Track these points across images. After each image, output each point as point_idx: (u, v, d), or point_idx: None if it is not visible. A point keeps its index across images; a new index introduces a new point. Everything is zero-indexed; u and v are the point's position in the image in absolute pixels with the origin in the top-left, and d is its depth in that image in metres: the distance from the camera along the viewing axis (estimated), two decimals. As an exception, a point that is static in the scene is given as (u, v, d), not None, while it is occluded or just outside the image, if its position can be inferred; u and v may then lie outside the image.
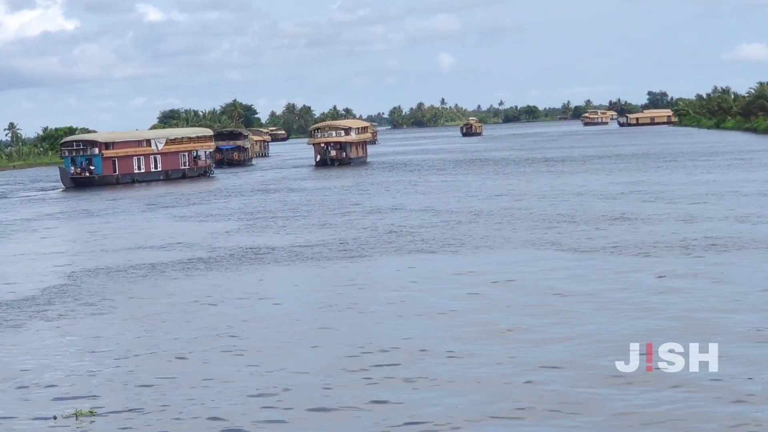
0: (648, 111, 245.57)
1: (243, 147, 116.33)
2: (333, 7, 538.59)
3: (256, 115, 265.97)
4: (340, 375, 17.61)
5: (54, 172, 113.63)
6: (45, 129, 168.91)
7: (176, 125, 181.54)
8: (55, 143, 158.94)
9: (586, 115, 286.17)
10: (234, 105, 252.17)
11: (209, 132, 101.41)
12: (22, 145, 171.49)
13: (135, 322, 23.41)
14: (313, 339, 20.55)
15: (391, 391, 16.46)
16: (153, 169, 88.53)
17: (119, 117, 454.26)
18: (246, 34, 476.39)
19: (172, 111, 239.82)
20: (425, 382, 16.89)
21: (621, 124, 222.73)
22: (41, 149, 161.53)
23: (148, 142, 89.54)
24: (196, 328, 22.24)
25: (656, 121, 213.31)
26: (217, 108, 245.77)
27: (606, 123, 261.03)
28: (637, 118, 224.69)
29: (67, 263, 34.42)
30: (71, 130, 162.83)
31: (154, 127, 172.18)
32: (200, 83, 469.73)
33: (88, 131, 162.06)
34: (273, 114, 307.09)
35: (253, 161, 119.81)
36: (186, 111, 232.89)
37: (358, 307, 23.76)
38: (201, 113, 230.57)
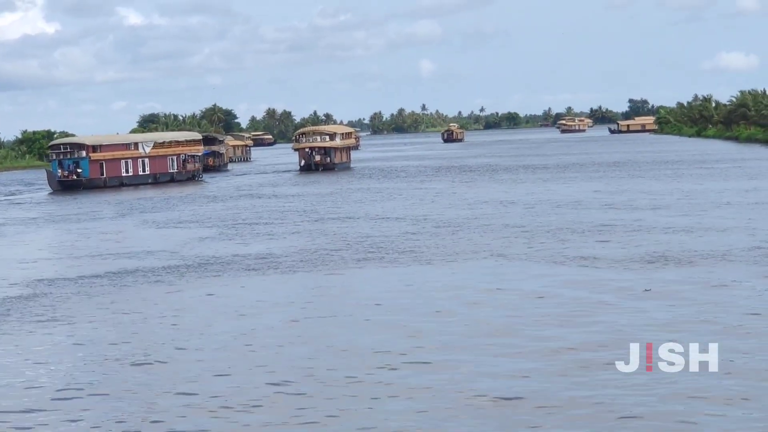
0: (639, 118, 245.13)
1: (218, 152, 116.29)
2: (314, 12, 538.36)
3: (236, 120, 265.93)
4: (314, 386, 17.16)
5: (31, 175, 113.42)
6: (24, 132, 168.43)
7: (155, 129, 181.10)
8: (33, 146, 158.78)
9: (563, 122, 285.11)
10: (214, 109, 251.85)
11: (198, 136, 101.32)
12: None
13: (89, 336, 22.33)
14: (280, 352, 19.90)
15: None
16: (141, 173, 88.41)
17: (100, 120, 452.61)
18: (227, 39, 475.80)
19: (151, 115, 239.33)
20: (408, 392, 16.62)
21: (612, 131, 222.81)
22: (18, 153, 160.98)
23: (136, 145, 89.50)
24: (153, 341, 21.34)
25: (647, 128, 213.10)
26: (198, 112, 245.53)
27: (583, 130, 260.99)
28: (627, 125, 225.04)
29: (40, 270, 33.39)
30: (49, 134, 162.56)
31: (133, 131, 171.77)
32: (181, 87, 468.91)
33: (66, 134, 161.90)
34: (253, 119, 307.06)
35: (229, 166, 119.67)
36: (165, 115, 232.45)
37: (333, 320, 23.00)
38: (181, 117, 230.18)
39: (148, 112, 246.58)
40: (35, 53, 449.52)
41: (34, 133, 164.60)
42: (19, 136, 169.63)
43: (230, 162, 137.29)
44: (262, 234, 41.26)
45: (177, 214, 53.55)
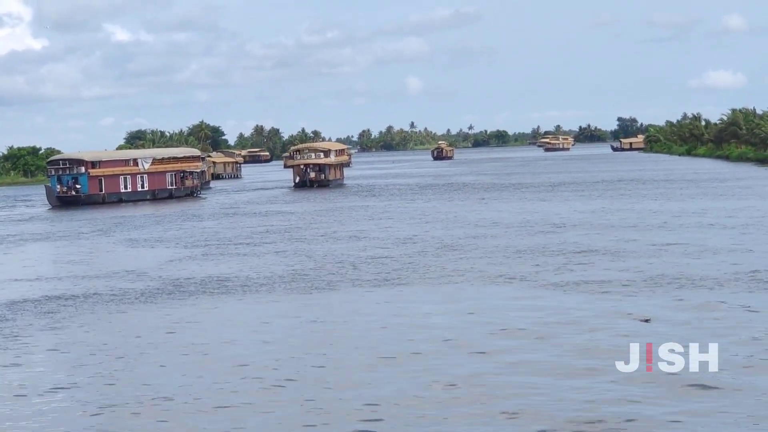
0: (641, 135, 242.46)
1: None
2: (301, 28, 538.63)
3: (223, 137, 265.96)
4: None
5: (16, 191, 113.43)
6: (9, 148, 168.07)
7: (142, 146, 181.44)
8: (18, 163, 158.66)
9: (547, 140, 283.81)
10: (201, 126, 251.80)
11: (197, 152, 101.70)
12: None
13: (59, 363, 21.45)
14: (264, 382, 18.75)
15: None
16: (140, 189, 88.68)
17: (88, 137, 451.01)
18: (214, 55, 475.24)
19: (138, 131, 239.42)
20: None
21: (614, 149, 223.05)
22: (3, 169, 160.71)
23: (135, 161, 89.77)
24: (123, 371, 20.11)
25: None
26: (185, 129, 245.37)
27: (567, 149, 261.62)
28: (630, 143, 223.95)
29: (31, 286, 33.01)
30: (35, 150, 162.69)
31: (120, 148, 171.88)
32: (169, 104, 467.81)
33: (53, 150, 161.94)
34: (241, 135, 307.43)
35: (211, 184, 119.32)
36: (152, 132, 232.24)
37: (319, 347, 21.64)
38: (168, 134, 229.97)
39: (135, 128, 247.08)
40: (22, 69, 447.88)
41: (19, 149, 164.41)
42: (5, 153, 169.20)
43: (220, 179, 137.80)
44: (259, 254, 39.95)
45: (171, 233, 52.62)
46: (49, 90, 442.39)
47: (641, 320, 22.19)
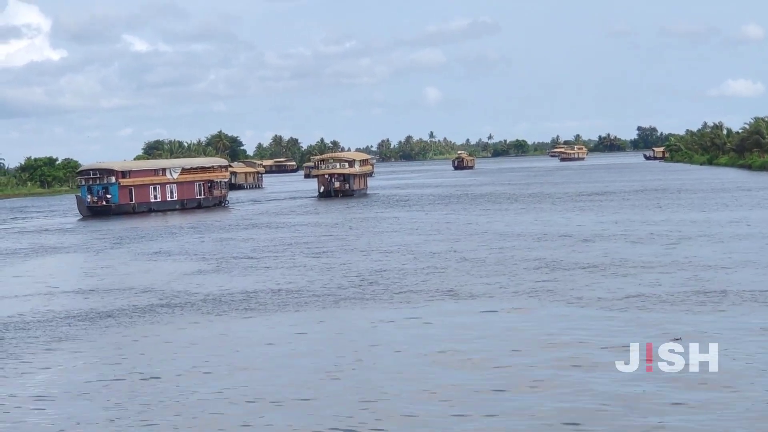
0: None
1: None
2: (318, 39, 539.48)
3: (242, 147, 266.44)
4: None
5: (38, 202, 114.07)
6: (27, 159, 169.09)
7: (160, 156, 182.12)
8: (35, 173, 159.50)
9: (562, 150, 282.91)
10: (219, 136, 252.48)
11: (224, 162, 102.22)
12: (1, 175, 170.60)
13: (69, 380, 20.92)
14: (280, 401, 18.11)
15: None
16: (169, 198, 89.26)
17: (106, 147, 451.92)
18: (232, 66, 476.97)
19: (156, 142, 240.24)
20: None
21: (647, 158, 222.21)
22: (20, 180, 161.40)
23: (164, 171, 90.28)
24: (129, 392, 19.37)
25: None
26: (203, 139, 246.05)
27: (582, 158, 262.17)
28: (662, 152, 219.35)
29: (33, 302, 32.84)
30: (51, 161, 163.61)
31: (138, 158, 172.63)
32: (187, 114, 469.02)
33: (70, 161, 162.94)
34: (260, 146, 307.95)
35: (228, 195, 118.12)
36: (170, 142, 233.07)
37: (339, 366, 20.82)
38: (186, 144, 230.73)
39: (153, 138, 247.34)
40: (41, 80, 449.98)
41: (36, 160, 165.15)
42: (22, 164, 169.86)
43: (242, 189, 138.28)
44: (294, 266, 39.24)
45: (203, 244, 52.25)
46: (68, 101, 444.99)
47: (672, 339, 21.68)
